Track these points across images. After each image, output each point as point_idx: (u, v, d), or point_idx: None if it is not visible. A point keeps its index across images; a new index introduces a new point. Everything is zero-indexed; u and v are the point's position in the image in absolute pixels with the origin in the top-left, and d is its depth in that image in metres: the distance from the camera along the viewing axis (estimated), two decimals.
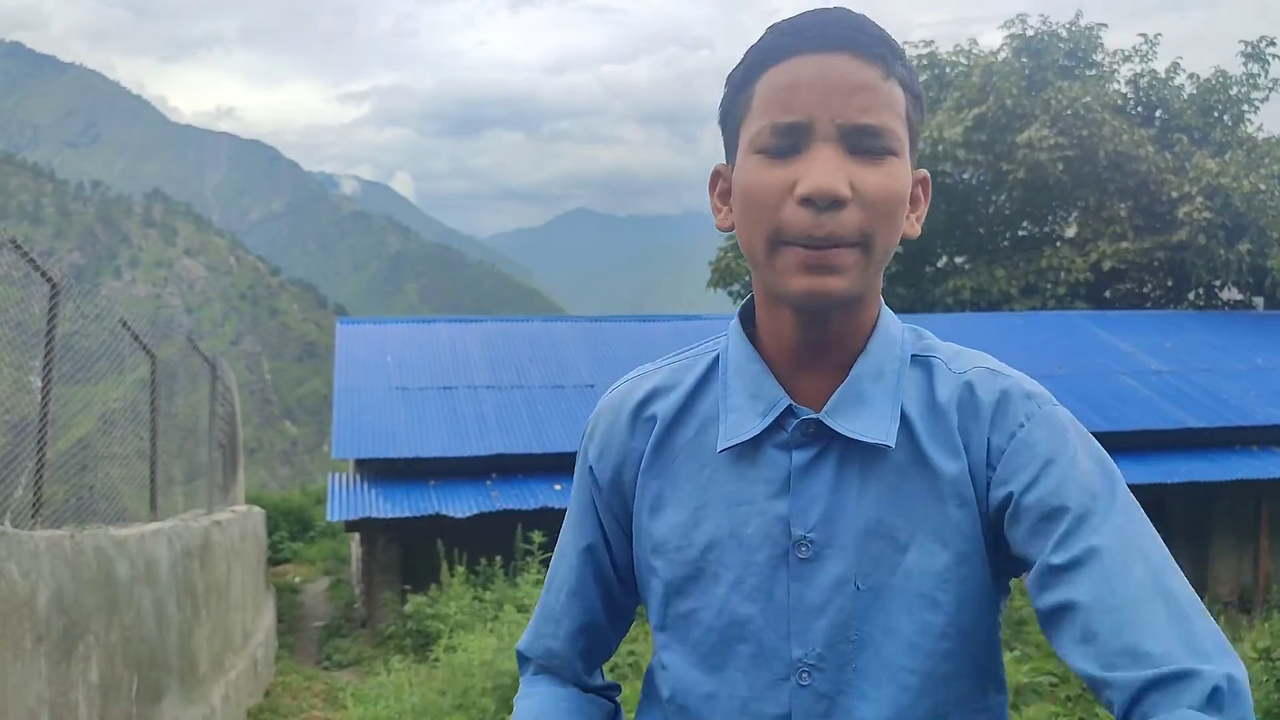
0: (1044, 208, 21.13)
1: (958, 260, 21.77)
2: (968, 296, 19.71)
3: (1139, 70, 21.06)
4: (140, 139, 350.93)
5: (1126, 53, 21.17)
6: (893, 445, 1.04)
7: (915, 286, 20.88)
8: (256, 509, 9.54)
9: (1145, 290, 20.70)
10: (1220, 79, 20.39)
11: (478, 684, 5.19)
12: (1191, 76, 20.84)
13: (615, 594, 1.22)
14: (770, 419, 1.06)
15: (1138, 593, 0.91)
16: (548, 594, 1.25)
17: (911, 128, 1.05)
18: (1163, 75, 20.89)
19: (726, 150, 1.11)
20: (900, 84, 1.03)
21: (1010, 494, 1.00)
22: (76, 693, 4.10)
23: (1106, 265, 19.35)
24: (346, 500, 11.78)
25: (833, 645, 1.05)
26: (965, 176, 20.41)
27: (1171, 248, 18.90)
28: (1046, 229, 21.62)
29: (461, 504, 11.34)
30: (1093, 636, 0.91)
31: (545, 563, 7.65)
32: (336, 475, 13.02)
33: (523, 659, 1.27)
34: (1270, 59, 20.17)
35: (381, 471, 12.32)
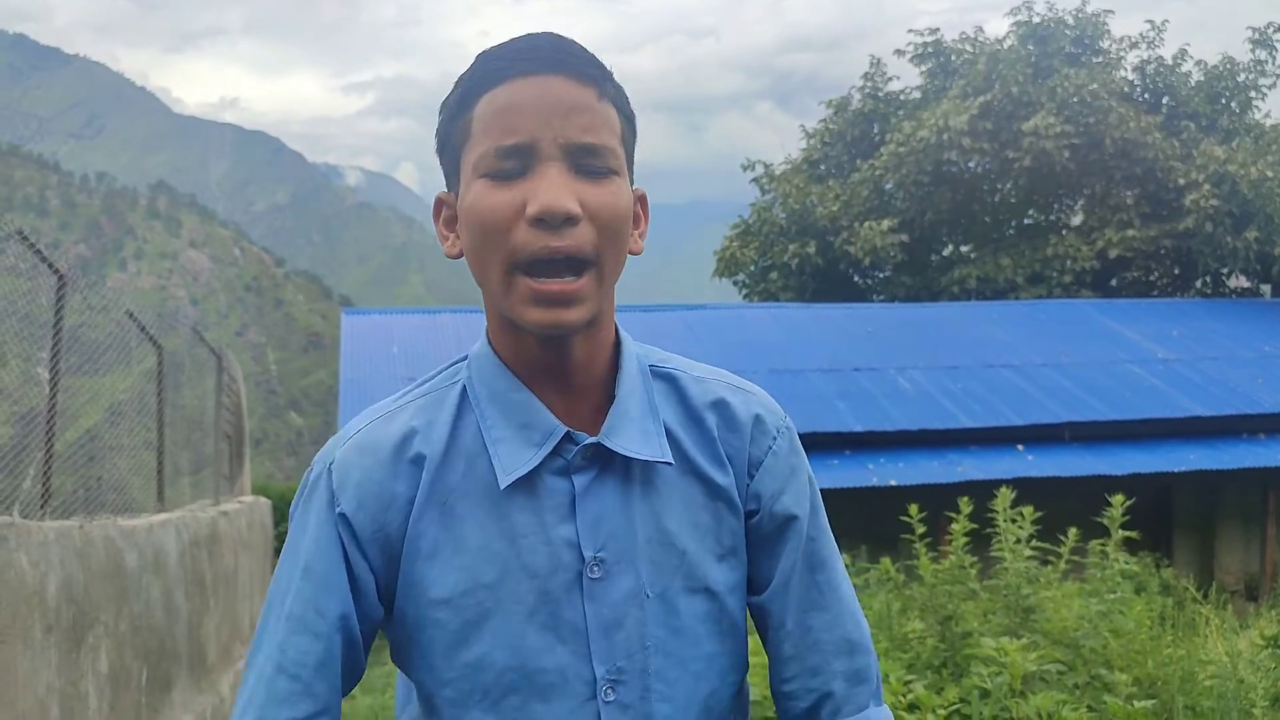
0: (1050, 196, 21.06)
1: (963, 249, 21.73)
2: (974, 285, 19.67)
3: (1146, 57, 20.97)
4: (144, 131, 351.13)
5: (1133, 39, 21.06)
6: (672, 463, 1.09)
7: (921, 275, 20.85)
8: (263, 500, 9.56)
9: (1152, 278, 20.65)
10: (1228, 66, 20.28)
11: None
12: (1199, 63, 20.73)
13: (359, 663, 1.10)
14: (548, 448, 1.06)
15: (848, 602, 1.17)
16: (279, 673, 1.04)
17: (627, 147, 1.06)
18: (1170, 62, 20.79)
19: (447, 178, 1.10)
20: (613, 104, 1.05)
21: (758, 503, 1.13)
22: (86, 682, 4.12)
23: (1113, 253, 19.29)
24: None
25: (631, 656, 1.08)
26: (971, 165, 20.35)
27: (1178, 235, 18.84)
28: (1052, 217, 21.56)
29: None
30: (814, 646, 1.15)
31: None
32: None
33: None
34: (1278, 45, 20.06)
35: None
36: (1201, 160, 18.28)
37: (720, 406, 1.13)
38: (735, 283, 22.28)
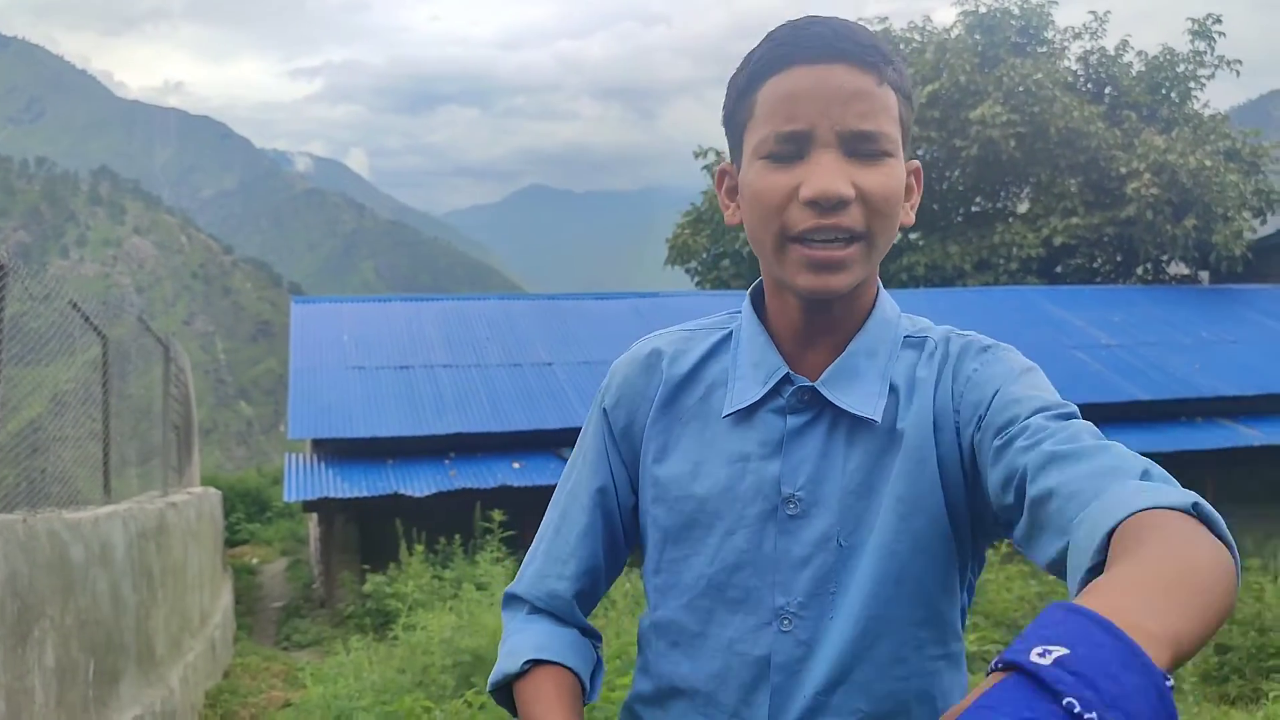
0: (997, 184, 21.36)
1: (911, 236, 21.97)
2: (922, 272, 19.91)
3: (1089, 47, 21.31)
4: (86, 115, 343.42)
5: (1077, 30, 21.40)
6: (879, 420, 1.13)
7: None
8: (213, 490, 9.47)
9: (1095, 265, 21.02)
10: (1168, 56, 20.67)
11: (437, 661, 5.22)
12: (1140, 54, 21.12)
13: (618, 538, 1.29)
14: (770, 385, 1.16)
15: (1096, 464, 0.91)
16: (556, 535, 1.29)
17: (904, 127, 1.13)
18: (1112, 53, 21.15)
19: (731, 151, 1.19)
20: (893, 88, 1.10)
21: (974, 428, 1.09)
22: (33, 677, 4.08)
23: (1058, 241, 19.62)
24: (304, 480, 11.71)
25: (814, 596, 1.14)
26: (919, 153, 20.57)
27: (1120, 223, 19.20)
28: (999, 205, 21.87)
29: (420, 483, 11.32)
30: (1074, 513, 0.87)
31: (505, 541, 7.68)
32: (293, 455, 12.93)
33: (516, 600, 1.29)
34: (1216, 36, 20.47)
35: (339, 451, 12.26)
36: (1142, 150, 18.64)
37: (939, 347, 1.17)
38: (687, 270, 22.35)
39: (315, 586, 13.46)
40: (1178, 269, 20.89)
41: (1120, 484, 0.86)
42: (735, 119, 1.16)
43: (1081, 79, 21.23)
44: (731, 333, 1.25)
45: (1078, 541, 0.83)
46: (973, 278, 19.59)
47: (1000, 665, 0.58)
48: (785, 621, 1.14)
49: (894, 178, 1.10)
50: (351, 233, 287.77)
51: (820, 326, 1.16)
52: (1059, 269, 20.77)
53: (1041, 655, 0.57)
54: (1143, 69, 20.88)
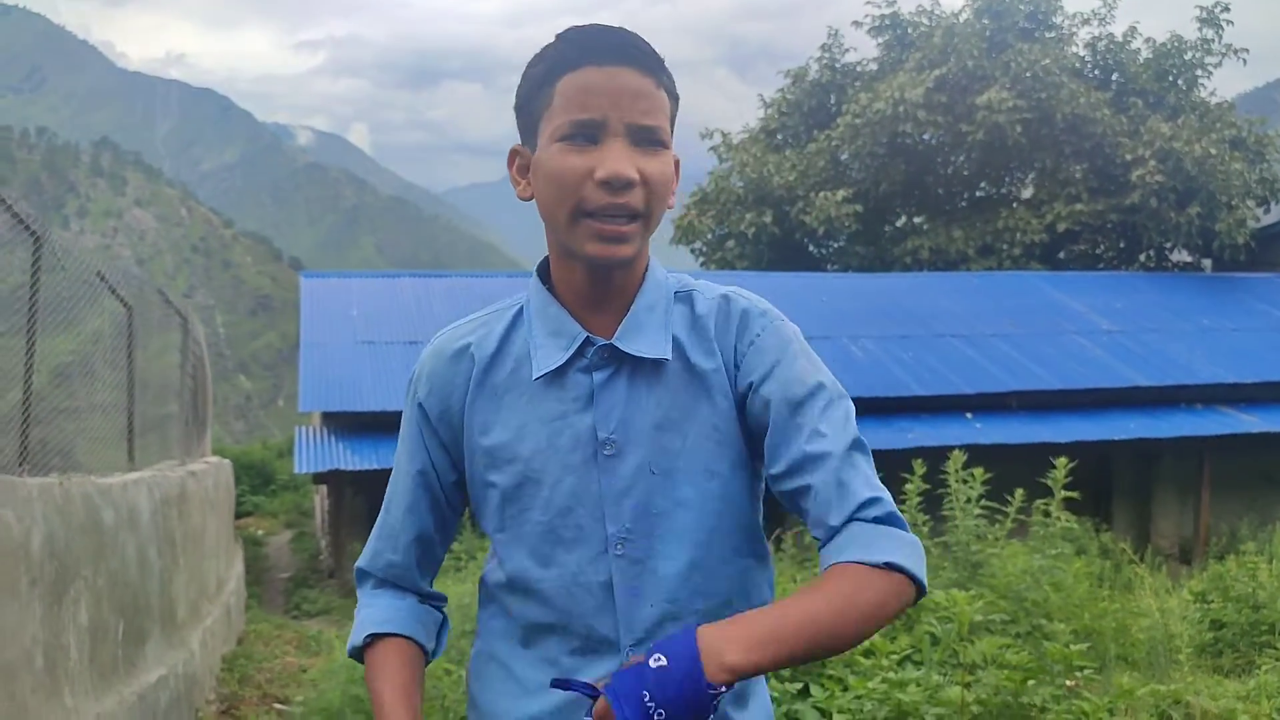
0: (1002, 169, 21.41)
1: (916, 220, 22.05)
2: (926, 256, 20.00)
3: (1097, 34, 21.32)
4: (87, 85, 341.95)
5: (1085, 16, 21.40)
6: (669, 358, 1.32)
7: (874, 245, 21.14)
8: (226, 461, 9.59)
9: (1098, 251, 21.10)
10: (1175, 43, 20.68)
11: (455, 627, 5.36)
12: (1148, 41, 21.13)
13: (443, 510, 1.44)
14: (573, 349, 1.33)
15: (843, 464, 1.25)
16: (386, 514, 1.45)
17: (672, 123, 1.32)
18: (1120, 39, 21.16)
19: (523, 133, 1.35)
20: (665, 91, 1.30)
21: (749, 385, 1.31)
22: (68, 635, 4.21)
23: (1061, 226, 19.70)
24: (314, 453, 11.86)
25: (638, 519, 1.32)
26: (925, 137, 20.60)
27: (1124, 210, 19.28)
28: (1004, 190, 21.93)
29: None
30: (825, 504, 1.23)
31: None
32: (303, 428, 13.08)
33: (363, 575, 1.46)
34: (1224, 24, 20.48)
35: (348, 424, 12.39)
36: (1148, 137, 18.70)
37: (717, 308, 1.36)
38: (692, 250, 22.43)
39: (322, 557, 13.63)
40: (1180, 256, 20.98)
41: (847, 532, 1.21)
42: (531, 106, 1.31)
43: (1089, 65, 21.26)
44: (521, 309, 1.40)
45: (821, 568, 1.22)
46: (976, 262, 19.68)
47: (647, 655, 1.08)
48: (619, 546, 1.31)
49: (668, 166, 1.29)
50: (352, 208, 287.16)
51: (604, 292, 1.33)
52: (1062, 255, 20.85)
53: (656, 660, 1.06)
54: (1150, 56, 20.89)
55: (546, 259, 1.40)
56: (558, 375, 1.33)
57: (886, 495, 1.25)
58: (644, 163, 1.26)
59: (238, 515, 15.81)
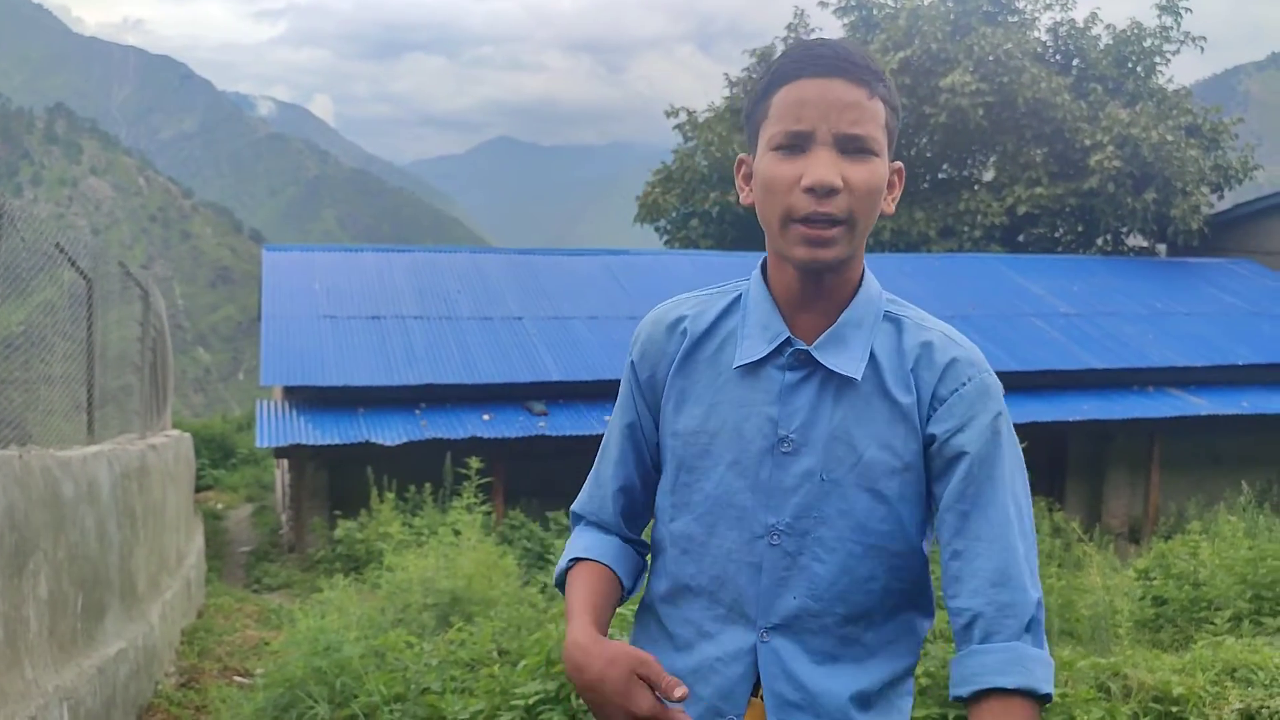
0: (964, 152, 21.60)
1: None
2: (887, 238, 20.15)
3: (1059, 19, 21.54)
4: (41, 50, 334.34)
5: (1047, 1, 21.59)
6: (859, 380, 1.39)
7: None
8: (186, 434, 9.54)
9: (1057, 235, 21.37)
10: (1135, 30, 20.92)
11: (417, 600, 5.42)
12: (1108, 27, 21.36)
13: (647, 464, 1.56)
14: (773, 346, 1.42)
15: (1009, 539, 1.34)
16: (600, 464, 1.59)
17: (890, 132, 1.39)
18: (1081, 25, 21.38)
19: (748, 143, 1.45)
20: (882, 100, 1.36)
21: (936, 434, 1.38)
22: (28, 607, 4.22)
23: (1021, 209, 19.93)
24: (275, 427, 11.81)
25: (798, 517, 1.40)
26: None
27: (1083, 194, 19.53)
28: (965, 173, 22.13)
29: (390, 432, 11.46)
30: (972, 574, 1.33)
31: (481, 488, 7.89)
32: (264, 402, 13.01)
33: (576, 517, 1.62)
34: (1182, 12, 20.74)
35: (310, 399, 12.35)
36: (1107, 122, 18.94)
37: (925, 346, 1.42)
38: (656, 229, 22.46)
39: (283, 532, 13.59)
40: (1136, 241, 21.30)
41: (991, 643, 1.31)
42: (753, 117, 1.42)
43: (1050, 50, 21.46)
44: (741, 295, 1.49)
45: (954, 676, 1.34)
46: (937, 244, 19.88)
47: None
48: (775, 537, 1.41)
49: (876, 174, 1.35)
50: (314, 180, 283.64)
51: (814, 294, 1.41)
52: (1021, 237, 21.10)
53: None
54: (1110, 42, 21.13)
55: (766, 257, 1.49)
56: (755, 367, 1.43)
57: (1040, 593, 1.35)
58: (850, 170, 1.33)
59: (198, 489, 15.72)
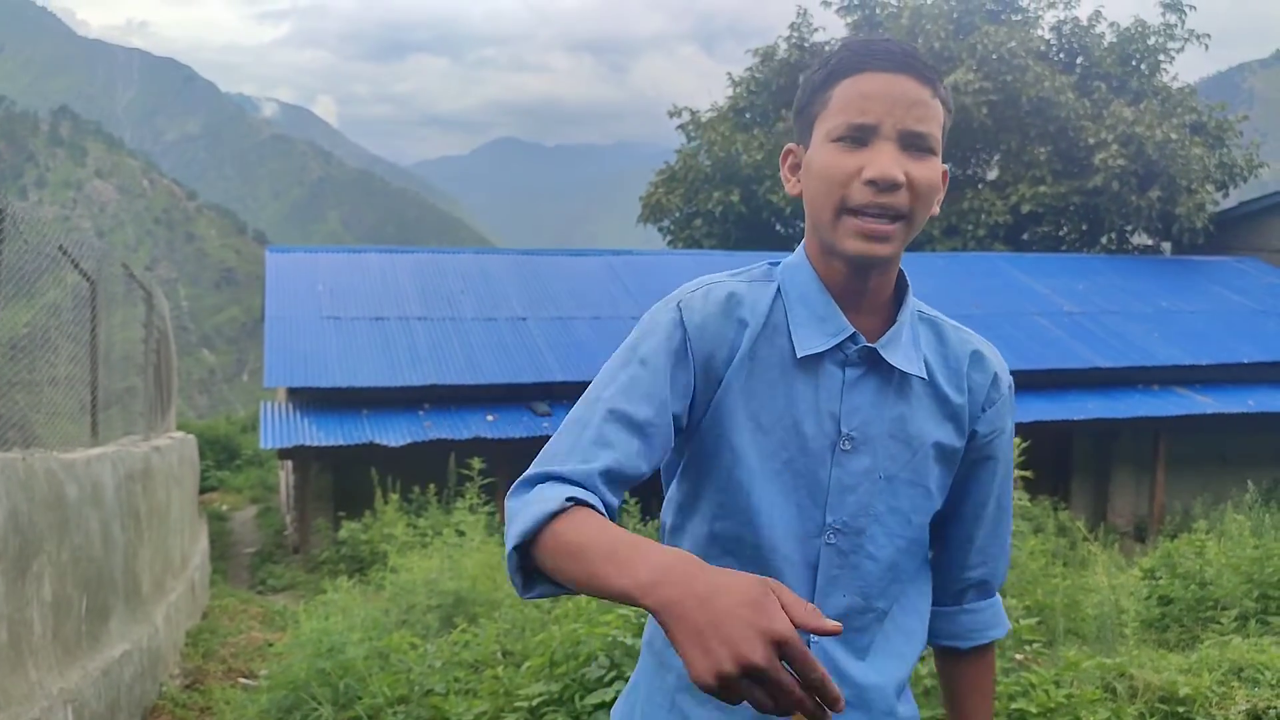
0: (967, 150, 21.57)
1: None
2: None
3: (1062, 17, 21.50)
4: (46, 53, 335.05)
5: None
6: (925, 378, 1.41)
7: None
8: (190, 436, 9.54)
9: (1061, 233, 21.34)
10: (1139, 28, 20.89)
11: (421, 602, 5.42)
12: (1112, 25, 21.34)
13: (654, 450, 1.32)
14: (837, 340, 1.38)
15: (1010, 527, 1.56)
16: (606, 423, 1.30)
17: (944, 134, 1.38)
18: (1085, 23, 21.35)
19: (799, 134, 1.42)
20: (941, 102, 1.36)
21: (979, 432, 1.45)
22: (32, 610, 4.22)
23: (1025, 208, 19.90)
24: (279, 428, 11.82)
25: (855, 515, 1.40)
26: None
27: (1087, 193, 19.50)
28: (969, 171, 22.10)
29: (394, 433, 11.46)
30: (979, 560, 1.54)
31: (484, 489, 7.87)
32: (269, 404, 13.02)
33: (538, 478, 1.26)
34: (1186, 9, 20.71)
35: (314, 400, 12.36)
36: (1111, 120, 18.90)
37: (975, 355, 1.46)
38: (660, 229, 22.45)
39: (288, 533, 13.60)
40: (1141, 239, 21.26)
41: (984, 601, 1.57)
42: (809, 109, 1.39)
43: (1054, 48, 21.42)
44: (778, 285, 1.43)
45: (957, 629, 1.57)
46: (941, 243, 19.85)
47: None
48: (831, 535, 1.39)
49: (936, 172, 1.35)
50: (318, 181, 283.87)
51: (859, 291, 1.39)
52: (1025, 236, 21.07)
53: None
54: (1114, 40, 21.09)
55: (793, 252, 1.47)
56: (813, 360, 1.39)
57: None
58: (912, 167, 1.31)
59: (202, 490, 15.76)
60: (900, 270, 1.44)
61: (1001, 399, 1.47)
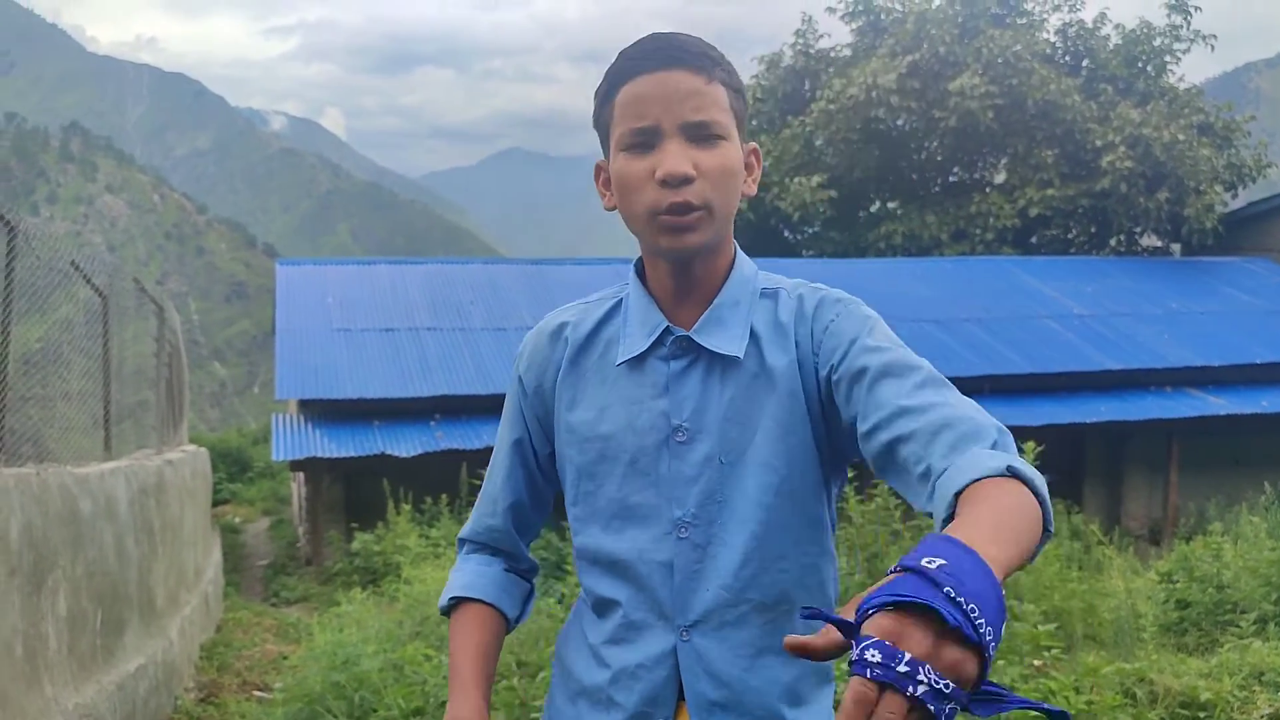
0: (974, 154, 21.54)
1: (890, 205, 22.14)
2: (899, 241, 20.11)
3: (1068, 20, 21.46)
4: (57, 70, 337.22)
5: (1056, 2, 21.53)
6: (741, 357, 1.37)
7: (849, 231, 21.23)
8: (203, 449, 9.56)
9: (1070, 236, 21.28)
10: (1145, 30, 20.84)
11: (435, 613, 5.41)
12: (1118, 27, 21.28)
13: (537, 480, 1.54)
14: (653, 337, 1.40)
15: (933, 410, 1.17)
16: (488, 482, 1.57)
17: (737, 114, 1.36)
18: (1090, 25, 21.32)
19: (603, 148, 1.42)
20: (722, 84, 1.34)
21: (830, 368, 1.33)
22: (46, 624, 4.22)
23: (1033, 211, 19.86)
24: (291, 440, 11.84)
25: (702, 506, 1.38)
26: (899, 123, 20.69)
27: (1095, 195, 19.45)
28: (976, 175, 22.07)
29: (406, 444, 11.47)
30: (919, 455, 1.14)
31: None
32: (280, 416, 13.04)
33: (462, 543, 1.59)
34: (1192, 10, 20.66)
35: (325, 412, 12.38)
36: (1118, 123, 18.86)
37: (799, 301, 1.40)
38: None
39: (300, 545, 13.62)
40: (1150, 241, 21.19)
41: (960, 455, 1.09)
42: (601, 121, 1.40)
43: (1060, 51, 21.39)
44: (621, 300, 1.48)
45: (935, 502, 1.08)
46: (949, 247, 19.81)
47: (898, 568, 0.81)
48: (683, 530, 1.37)
49: (729, 157, 1.33)
50: (327, 194, 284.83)
51: (687, 284, 1.39)
52: (1034, 239, 21.02)
53: (928, 563, 0.80)
54: (1120, 42, 21.05)
55: (641, 257, 1.48)
56: (639, 362, 1.40)
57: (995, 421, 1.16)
58: (701, 157, 1.31)
59: (214, 503, 15.79)
60: (736, 253, 1.44)
61: (836, 318, 1.34)
